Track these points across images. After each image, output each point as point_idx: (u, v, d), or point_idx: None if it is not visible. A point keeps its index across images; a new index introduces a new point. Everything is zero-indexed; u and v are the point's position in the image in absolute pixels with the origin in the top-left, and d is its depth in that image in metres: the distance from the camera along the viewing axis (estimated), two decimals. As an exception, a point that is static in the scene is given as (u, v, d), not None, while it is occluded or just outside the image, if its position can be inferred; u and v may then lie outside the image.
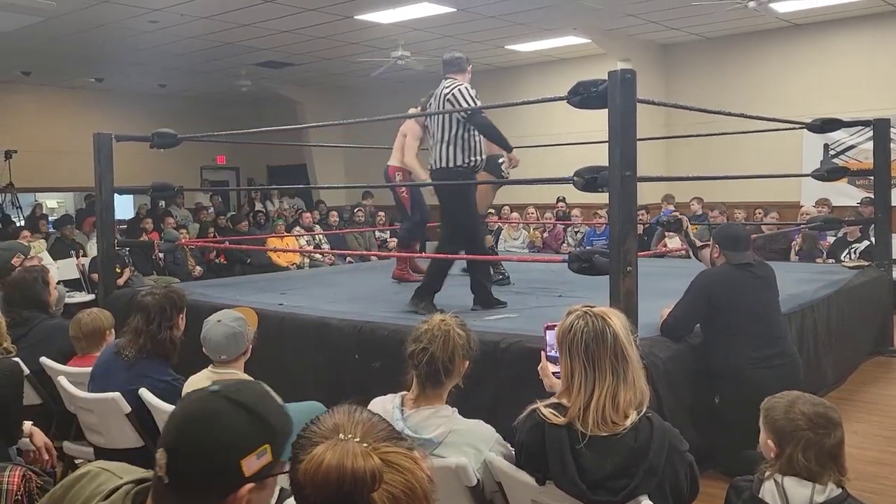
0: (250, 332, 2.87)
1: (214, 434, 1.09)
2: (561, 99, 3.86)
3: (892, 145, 7.64)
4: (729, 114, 5.12)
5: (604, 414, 1.86)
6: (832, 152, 9.46)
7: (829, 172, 6.22)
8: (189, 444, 1.10)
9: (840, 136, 9.12)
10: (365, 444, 1.04)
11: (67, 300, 7.71)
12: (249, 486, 1.09)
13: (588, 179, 3.70)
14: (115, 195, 5.76)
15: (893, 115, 8.05)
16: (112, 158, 5.73)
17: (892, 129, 8.37)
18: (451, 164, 4.53)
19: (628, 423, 1.86)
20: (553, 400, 1.95)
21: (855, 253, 7.55)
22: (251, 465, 1.09)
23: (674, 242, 8.70)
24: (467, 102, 4.44)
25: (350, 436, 1.06)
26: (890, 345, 6.12)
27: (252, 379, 1.84)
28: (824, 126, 5.99)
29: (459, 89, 4.48)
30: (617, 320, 1.95)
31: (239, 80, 12.46)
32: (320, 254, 9.62)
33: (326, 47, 10.42)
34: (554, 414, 1.89)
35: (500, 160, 5.29)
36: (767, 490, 1.94)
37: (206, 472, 1.08)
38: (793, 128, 6.36)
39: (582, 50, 10.76)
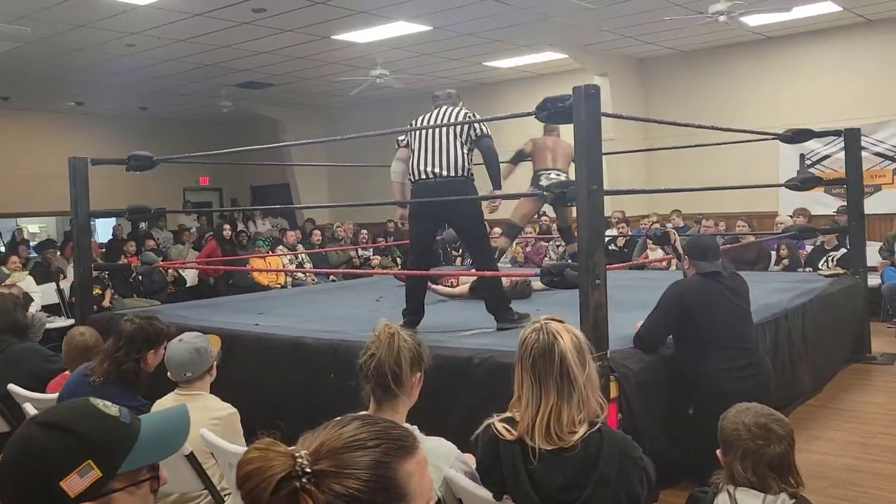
0: (213, 352, 2.85)
1: (26, 461, 1.07)
2: (529, 114, 3.90)
3: (864, 154, 7.76)
4: (699, 126, 5.18)
5: (548, 431, 1.87)
6: (808, 162, 9.57)
7: (802, 182, 6.29)
8: (7, 477, 1.08)
9: (815, 146, 9.23)
10: None
11: (47, 325, 7.66)
12: None
13: (557, 194, 3.75)
14: (102, 218, 5.74)
15: (864, 124, 8.18)
16: (87, 182, 5.71)
17: (865, 138, 8.53)
18: (464, 174, 4.40)
19: (576, 438, 1.87)
20: (506, 414, 1.96)
21: (832, 261, 7.61)
22: (74, 485, 1.06)
23: (655, 254, 8.74)
24: (483, 125, 4.46)
25: None
26: (867, 352, 6.16)
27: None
28: (795, 137, 6.07)
29: (473, 114, 4.54)
30: (568, 339, 1.94)
31: (220, 102, 12.49)
32: (302, 273, 9.60)
33: (305, 67, 10.46)
34: (507, 429, 1.90)
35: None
36: (721, 502, 1.95)
37: (28, 502, 1.06)
38: (765, 138, 6.44)
39: (561, 65, 10.85)
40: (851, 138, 6.21)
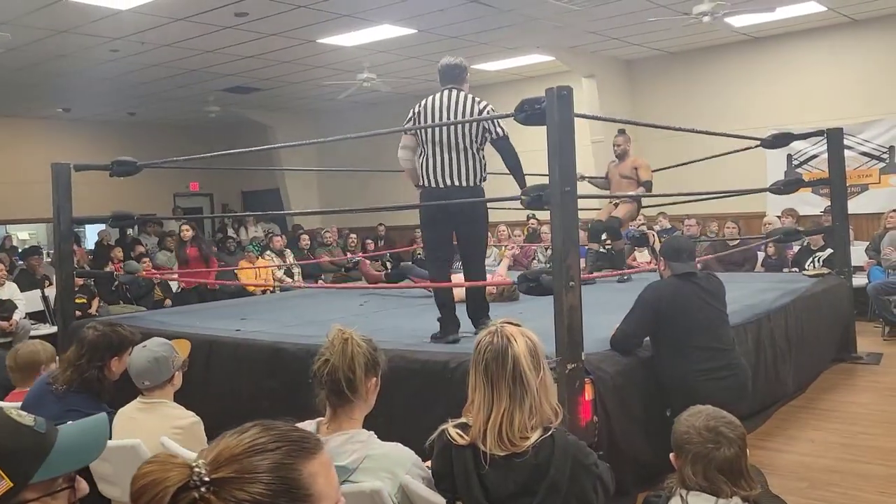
0: (178, 360, 2.80)
1: None
2: (507, 116, 3.89)
3: (851, 154, 7.74)
4: (680, 129, 5.17)
5: (500, 435, 1.85)
6: (795, 162, 9.57)
7: (784, 185, 6.29)
8: None
9: (802, 147, 9.22)
10: None
11: (32, 332, 7.62)
12: None
13: (533, 197, 3.73)
14: (84, 225, 5.69)
15: (850, 124, 8.17)
16: (70, 188, 5.68)
17: (852, 138, 8.52)
18: (478, 182, 4.25)
19: (528, 443, 1.84)
20: (460, 419, 1.94)
21: (819, 261, 7.60)
22: None
23: (643, 257, 8.73)
24: (499, 125, 4.20)
25: None
26: (853, 351, 6.15)
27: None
28: (776, 141, 6.07)
29: (491, 108, 4.26)
30: (522, 343, 1.92)
31: (207, 107, 12.44)
32: (290, 279, 9.57)
33: (292, 71, 10.44)
34: (460, 434, 1.88)
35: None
36: (674, 505, 1.93)
37: None
38: (748, 148, 6.41)
39: (549, 68, 10.84)
40: (834, 138, 6.20)
